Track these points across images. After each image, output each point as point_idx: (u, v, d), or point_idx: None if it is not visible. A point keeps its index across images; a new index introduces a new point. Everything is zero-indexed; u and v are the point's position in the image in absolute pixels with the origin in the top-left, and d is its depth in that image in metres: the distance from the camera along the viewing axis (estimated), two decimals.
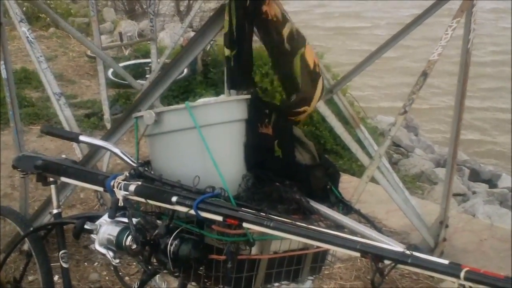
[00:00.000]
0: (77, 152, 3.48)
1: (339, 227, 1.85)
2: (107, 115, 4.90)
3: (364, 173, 3.46)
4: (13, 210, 2.58)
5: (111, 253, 1.69)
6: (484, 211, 5.69)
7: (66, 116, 3.37)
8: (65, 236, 2.12)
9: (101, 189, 1.80)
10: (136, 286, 1.86)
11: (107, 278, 3.44)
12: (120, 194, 1.70)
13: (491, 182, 7.46)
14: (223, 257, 1.62)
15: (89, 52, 7.71)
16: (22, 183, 3.66)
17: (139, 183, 1.70)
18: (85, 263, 3.56)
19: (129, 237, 1.63)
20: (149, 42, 5.78)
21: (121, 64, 6.67)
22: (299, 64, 1.98)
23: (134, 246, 1.61)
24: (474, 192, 6.80)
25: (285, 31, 2.01)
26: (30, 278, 3.22)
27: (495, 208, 5.99)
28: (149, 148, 1.85)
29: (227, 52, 2.03)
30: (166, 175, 1.72)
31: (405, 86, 9.90)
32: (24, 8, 8.87)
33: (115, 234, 1.68)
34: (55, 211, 2.13)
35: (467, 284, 1.21)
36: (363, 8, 17.90)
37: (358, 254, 1.36)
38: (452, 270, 1.24)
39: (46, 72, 3.40)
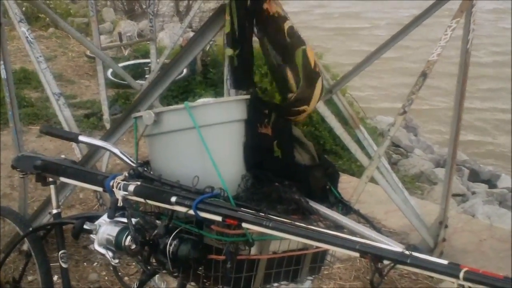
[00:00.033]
0: (76, 152, 3.48)
1: (338, 227, 1.85)
2: (106, 115, 4.90)
3: (363, 173, 3.46)
4: (12, 210, 2.58)
5: (110, 253, 1.69)
6: (484, 211, 5.69)
7: (65, 116, 3.37)
8: (65, 236, 2.12)
9: (100, 189, 1.81)
10: (135, 286, 1.86)
11: (106, 278, 3.44)
12: (119, 194, 1.70)
13: (491, 183, 7.47)
14: (222, 257, 1.62)
15: (88, 52, 7.70)
16: (21, 183, 3.66)
17: (138, 183, 1.70)
18: (85, 263, 3.56)
19: (128, 237, 1.63)
20: (148, 42, 5.78)
21: (121, 64, 6.67)
22: (301, 58, 1.98)
23: (133, 246, 1.61)
24: (473, 193, 6.80)
25: (286, 25, 2.02)
26: (29, 278, 3.21)
27: (495, 208, 5.99)
28: (148, 148, 1.85)
29: (230, 52, 2.03)
30: (166, 175, 1.72)
31: (404, 86, 9.90)
32: (24, 8, 8.87)
33: (114, 234, 1.68)
34: (54, 211, 2.13)
35: (466, 284, 1.21)
36: (363, 8, 17.90)
37: (357, 254, 1.36)
38: (451, 270, 1.24)
39: (46, 72, 3.40)
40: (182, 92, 6.77)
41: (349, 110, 4.06)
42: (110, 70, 6.58)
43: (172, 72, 2.76)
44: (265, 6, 2.01)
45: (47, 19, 9.71)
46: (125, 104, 6.40)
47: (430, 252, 3.69)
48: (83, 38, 4.90)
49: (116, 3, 12.30)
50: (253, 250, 1.66)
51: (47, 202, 3.27)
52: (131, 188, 1.68)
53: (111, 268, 2.24)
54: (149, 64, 6.01)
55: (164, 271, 1.68)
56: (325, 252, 1.90)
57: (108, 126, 4.78)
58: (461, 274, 1.22)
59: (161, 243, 1.59)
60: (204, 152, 1.71)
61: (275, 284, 1.81)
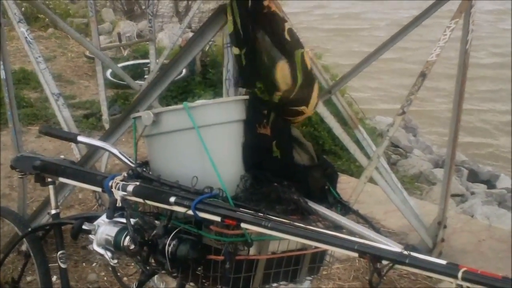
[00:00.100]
0: (75, 153, 3.48)
1: (337, 227, 1.85)
2: (105, 116, 4.90)
3: (362, 173, 3.46)
4: (11, 210, 2.58)
5: (109, 254, 1.69)
6: (483, 211, 5.70)
7: (64, 117, 3.37)
8: (63, 236, 2.12)
9: (99, 189, 1.81)
10: (134, 287, 1.86)
11: (105, 278, 3.44)
12: (118, 194, 1.70)
13: (490, 183, 7.47)
14: (221, 258, 1.62)
15: (87, 53, 7.70)
16: (20, 184, 3.66)
17: (137, 183, 1.70)
18: (83, 264, 3.56)
19: (127, 238, 1.63)
20: (147, 42, 5.78)
21: (120, 65, 6.66)
22: (300, 60, 1.98)
23: (132, 247, 1.61)
24: (472, 193, 6.81)
25: (286, 26, 2.02)
26: (28, 278, 3.21)
27: (494, 208, 5.99)
28: (147, 148, 1.85)
29: (237, 51, 2.02)
30: (164, 175, 1.73)
31: (404, 87, 9.91)
32: (23, 8, 8.86)
33: (113, 234, 1.68)
34: (53, 211, 2.13)
35: (465, 284, 1.21)
36: (362, 9, 17.92)
37: (356, 255, 1.36)
38: (450, 270, 1.25)
39: (45, 73, 3.40)
40: (181, 92, 6.77)
41: (348, 110, 4.06)
42: (109, 71, 6.59)
43: (171, 73, 2.76)
44: (266, 3, 2.01)
45: (47, 19, 9.71)
46: (124, 105, 6.40)
47: (429, 252, 3.69)
48: (82, 39, 4.90)
49: (116, 3, 12.30)
50: (252, 250, 1.67)
51: (46, 202, 3.27)
52: (130, 188, 1.68)
53: (110, 269, 2.24)
54: (148, 65, 6.01)
55: (163, 271, 1.68)
56: (324, 252, 1.90)
57: (107, 126, 4.77)
58: (460, 274, 1.22)
59: (160, 243, 1.59)
60: (203, 152, 1.71)
61: (274, 284, 1.81)
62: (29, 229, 2.23)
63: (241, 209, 1.58)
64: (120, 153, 1.93)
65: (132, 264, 3.36)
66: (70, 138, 2.14)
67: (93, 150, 3.01)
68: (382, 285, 1.40)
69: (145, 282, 1.85)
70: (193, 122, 1.71)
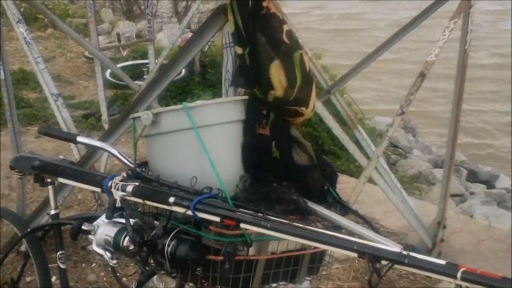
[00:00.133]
0: (74, 153, 3.47)
1: (337, 227, 1.85)
2: (104, 116, 4.90)
3: (361, 173, 3.46)
4: (10, 211, 2.58)
5: (108, 254, 1.69)
6: (482, 212, 5.70)
7: (63, 117, 3.37)
8: (63, 237, 2.12)
9: (98, 190, 1.81)
10: (133, 287, 1.86)
11: (104, 279, 3.44)
12: (117, 195, 1.70)
13: (489, 183, 7.48)
14: (220, 258, 1.62)
15: (86, 53, 7.70)
16: (19, 184, 3.66)
17: (137, 183, 1.70)
18: (83, 264, 3.56)
19: (127, 238, 1.63)
20: (147, 43, 5.78)
21: (119, 65, 6.67)
22: (298, 62, 1.98)
23: (131, 247, 1.61)
24: (472, 193, 6.81)
25: (285, 28, 2.01)
26: (28, 279, 3.21)
27: (493, 209, 6.00)
28: (146, 148, 1.85)
29: (240, 50, 2.02)
30: (164, 175, 1.73)
31: (403, 88, 9.92)
32: (22, 8, 8.86)
33: (112, 235, 1.68)
34: (52, 212, 2.13)
35: (464, 284, 1.21)
36: (362, 10, 17.94)
37: (355, 255, 1.36)
38: (449, 270, 1.25)
39: (44, 73, 3.40)
40: (180, 92, 6.77)
41: (348, 110, 4.06)
42: (108, 71, 6.59)
43: (170, 73, 2.76)
44: (265, 3, 2.01)
45: (46, 19, 9.70)
46: (123, 105, 6.40)
47: (428, 252, 3.69)
48: (82, 39, 4.90)
49: (115, 4, 12.31)
50: (251, 251, 1.67)
51: (46, 203, 3.26)
52: (129, 188, 1.68)
53: (110, 269, 2.24)
54: (148, 65, 6.02)
55: (162, 272, 1.68)
56: (323, 252, 1.90)
57: (106, 126, 4.77)
58: (459, 274, 1.22)
59: (159, 244, 1.59)
60: (202, 152, 1.71)
61: (274, 285, 1.81)
62: (29, 230, 2.23)
63: (240, 209, 1.58)
64: (119, 153, 1.93)
65: (132, 264, 3.36)
66: (69, 138, 2.13)
67: (92, 151, 3.01)
68: (381, 285, 1.40)
69: (144, 282, 1.85)
70: (192, 123, 1.71)
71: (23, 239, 2.25)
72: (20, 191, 3.65)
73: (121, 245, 1.65)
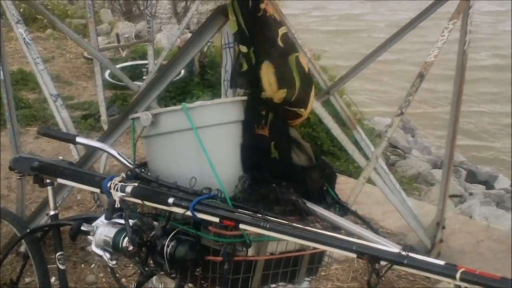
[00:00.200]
0: (74, 154, 3.48)
1: (336, 228, 1.85)
2: (104, 117, 4.90)
3: (360, 174, 3.46)
4: (10, 211, 2.58)
5: (107, 255, 1.69)
6: (481, 212, 5.71)
7: (63, 118, 3.37)
8: (62, 237, 2.12)
9: (97, 190, 1.80)
10: None
11: (104, 279, 3.44)
12: (116, 195, 1.70)
13: (488, 184, 7.49)
14: (219, 259, 1.62)
15: (86, 54, 7.70)
16: (19, 185, 3.66)
17: (136, 184, 1.70)
18: (82, 265, 3.55)
19: (126, 239, 1.63)
20: (146, 43, 5.78)
21: (118, 66, 6.67)
22: (294, 64, 1.97)
23: (130, 248, 1.61)
24: (471, 194, 6.82)
25: (281, 31, 2.01)
26: (27, 280, 3.21)
27: (492, 209, 6.00)
28: (145, 149, 1.85)
29: (244, 49, 2.01)
30: (163, 176, 1.72)
31: (403, 89, 9.92)
32: (21, 9, 8.85)
33: (111, 235, 1.67)
34: (52, 212, 2.13)
35: (463, 284, 1.21)
36: (361, 10, 17.95)
37: (354, 255, 1.36)
38: (448, 271, 1.25)
39: (43, 74, 3.40)
40: (179, 93, 6.78)
41: (347, 111, 4.07)
42: (107, 72, 6.59)
43: (169, 74, 2.76)
44: (263, 5, 2.01)
45: (45, 20, 9.71)
46: (122, 106, 6.40)
47: (427, 253, 3.69)
48: (81, 40, 4.90)
49: (114, 4, 12.31)
50: (251, 251, 1.66)
51: (45, 203, 3.26)
52: (129, 189, 1.68)
53: (109, 270, 2.25)
54: (147, 66, 6.02)
55: (161, 273, 1.68)
56: (322, 253, 1.90)
57: (105, 127, 4.77)
58: (458, 275, 1.22)
59: (159, 245, 1.59)
60: (202, 153, 1.71)
61: (273, 285, 1.80)
62: (28, 230, 2.23)
63: (239, 210, 1.58)
64: (118, 154, 1.93)
65: (131, 265, 3.36)
66: (69, 139, 2.14)
67: (91, 151, 3.01)
68: (381, 286, 1.40)
69: (143, 283, 1.85)
70: (192, 123, 1.71)
71: (23, 240, 2.25)
72: (19, 192, 3.65)
73: (120, 245, 1.64)
